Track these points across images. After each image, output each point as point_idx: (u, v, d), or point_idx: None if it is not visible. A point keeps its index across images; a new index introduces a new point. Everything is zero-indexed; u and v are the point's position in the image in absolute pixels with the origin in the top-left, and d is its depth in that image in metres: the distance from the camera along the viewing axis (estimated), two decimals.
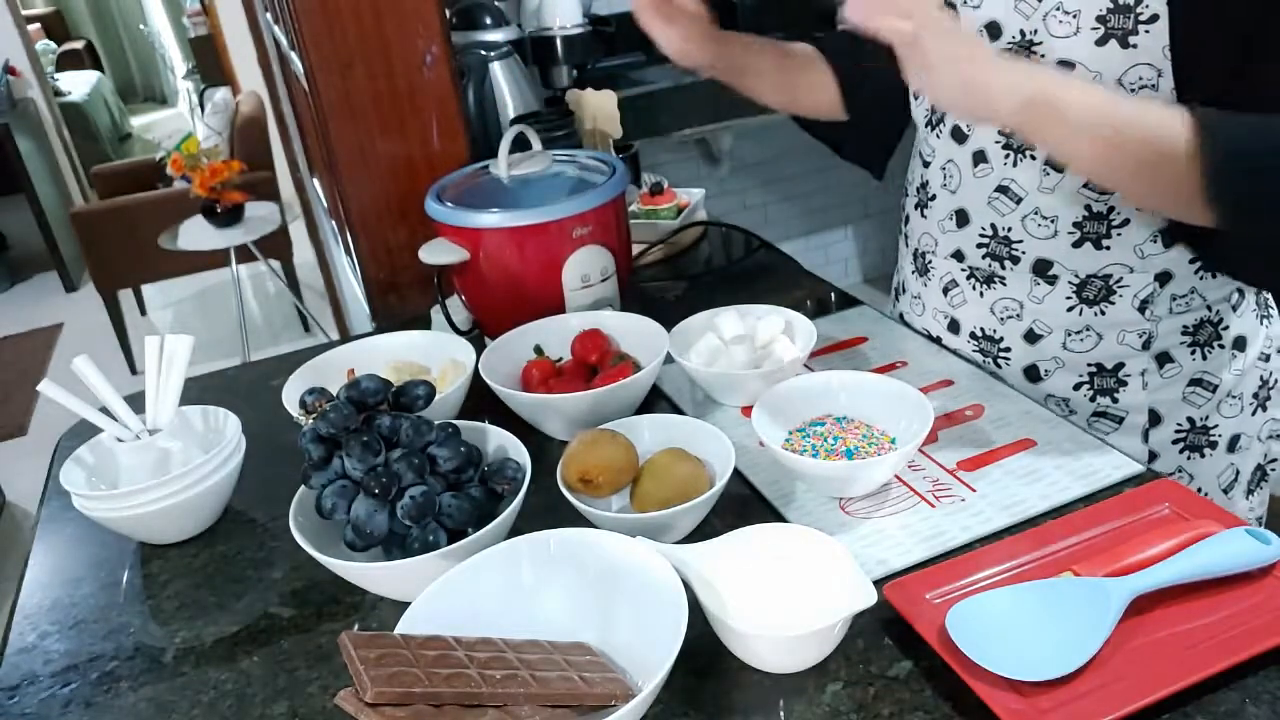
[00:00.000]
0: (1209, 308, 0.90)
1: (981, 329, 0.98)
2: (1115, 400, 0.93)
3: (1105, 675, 0.57)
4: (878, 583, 0.64)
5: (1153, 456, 0.94)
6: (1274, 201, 0.70)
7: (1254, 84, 0.74)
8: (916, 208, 1.04)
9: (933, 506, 0.76)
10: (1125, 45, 0.76)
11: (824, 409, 0.85)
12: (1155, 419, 0.93)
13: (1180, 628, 0.61)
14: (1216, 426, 0.94)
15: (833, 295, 1.16)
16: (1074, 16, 0.78)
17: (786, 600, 0.63)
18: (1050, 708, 0.55)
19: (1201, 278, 0.89)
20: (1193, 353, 0.91)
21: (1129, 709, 0.54)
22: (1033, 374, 0.95)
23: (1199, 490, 0.95)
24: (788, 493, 0.80)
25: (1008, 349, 0.96)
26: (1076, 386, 0.94)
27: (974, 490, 0.77)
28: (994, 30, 0.85)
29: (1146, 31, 0.75)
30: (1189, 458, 0.94)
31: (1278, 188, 0.70)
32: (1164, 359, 0.91)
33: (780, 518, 0.77)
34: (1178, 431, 0.93)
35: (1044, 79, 0.72)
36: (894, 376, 0.84)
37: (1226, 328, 0.91)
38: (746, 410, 0.91)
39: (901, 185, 1.09)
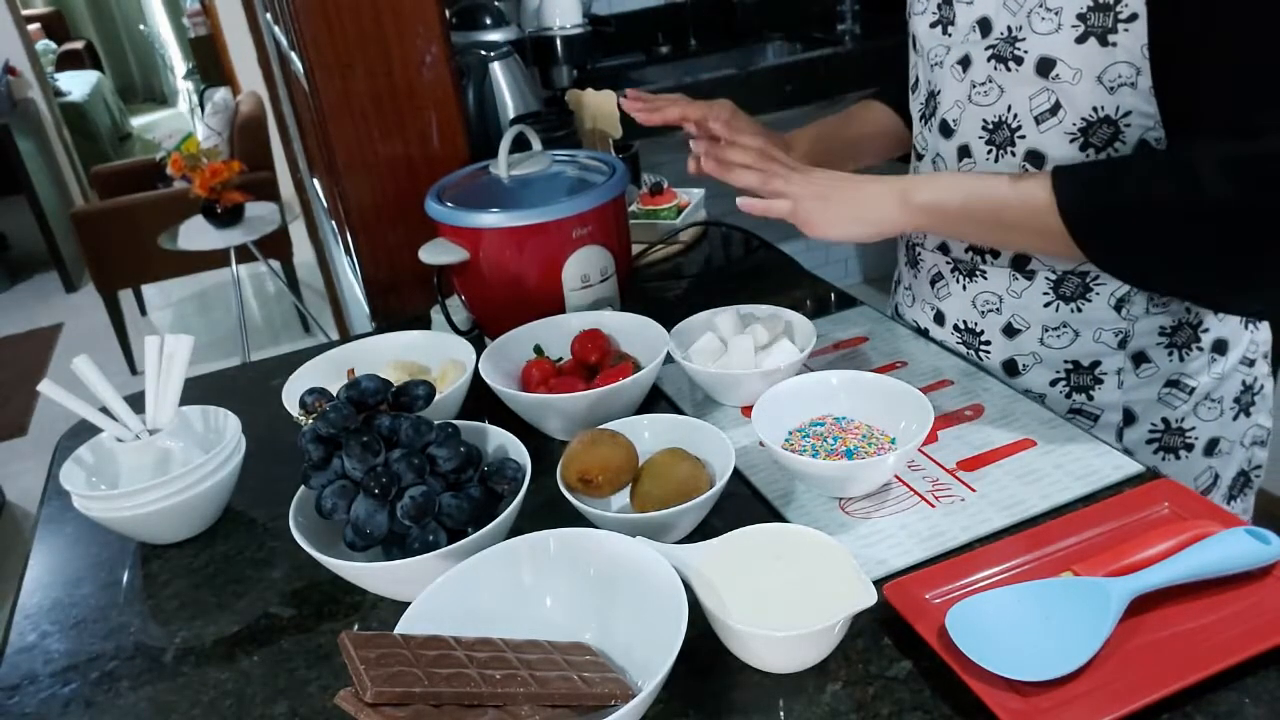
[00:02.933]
0: (1187, 310, 0.90)
1: (964, 321, 0.98)
2: (1090, 398, 0.93)
3: (1105, 675, 0.57)
4: (878, 583, 0.64)
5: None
6: (1129, 236, 0.78)
7: (1229, 84, 0.74)
8: None
9: (932, 506, 0.76)
10: (1104, 43, 0.77)
11: (824, 409, 0.85)
12: (1130, 418, 0.93)
13: (1180, 628, 0.61)
14: (1193, 429, 0.94)
15: (833, 295, 1.16)
16: (1056, 14, 0.79)
17: (786, 600, 0.63)
18: (1050, 708, 0.55)
19: None
20: (1170, 354, 0.91)
21: (1129, 709, 0.54)
22: (1011, 368, 0.96)
23: None
24: (788, 493, 0.80)
25: (988, 342, 0.96)
26: (1053, 383, 0.94)
27: (974, 490, 0.77)
28: (985, 26, 0.85)
29: (1126, 30, 0.75)
30: (1163, 458, 0.94)
31: (1127, 224, 0.77)
32: (1140, 359, 0.91)
33: (780, 518, 0.77)
34: (1152, 431, 0.93)
35: (903, 180, 0.86)
36: (894, 376, 0.84)
37: (1206, 330, 0.91)
38: (746, 410, 0.91)
39: None
